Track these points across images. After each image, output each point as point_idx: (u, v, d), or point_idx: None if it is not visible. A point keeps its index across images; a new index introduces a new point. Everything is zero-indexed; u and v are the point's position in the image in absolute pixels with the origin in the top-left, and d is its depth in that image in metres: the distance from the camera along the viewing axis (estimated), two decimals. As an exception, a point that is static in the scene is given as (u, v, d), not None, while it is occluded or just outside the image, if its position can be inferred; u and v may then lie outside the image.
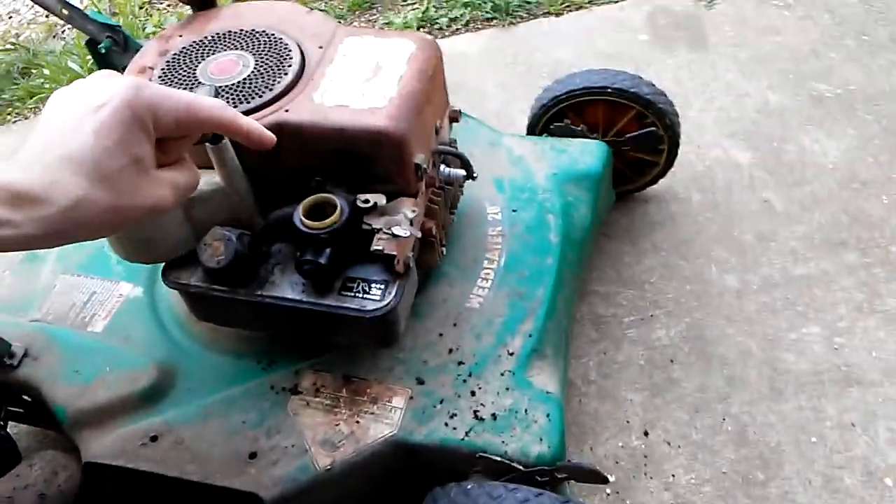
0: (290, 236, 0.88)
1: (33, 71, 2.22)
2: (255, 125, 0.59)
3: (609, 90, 1.31)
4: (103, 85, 0.51)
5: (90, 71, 2.06)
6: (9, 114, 2.11)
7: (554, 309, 1.06)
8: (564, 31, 2.06)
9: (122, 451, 0.94)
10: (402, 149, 0.86)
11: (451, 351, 1.00)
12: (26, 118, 2.08)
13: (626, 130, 1.37)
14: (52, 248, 0.55)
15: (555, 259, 1.11)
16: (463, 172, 1.04)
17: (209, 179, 0.84)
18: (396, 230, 0.87)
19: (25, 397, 1.08)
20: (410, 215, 0.89)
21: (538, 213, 1.17)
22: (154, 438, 0.94)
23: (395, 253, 0.85)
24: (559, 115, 1.38)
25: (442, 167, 1.03)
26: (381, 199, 0.89)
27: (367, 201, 0.88)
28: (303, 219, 0.84)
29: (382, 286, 0.87)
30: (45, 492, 0.94)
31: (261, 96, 0.89)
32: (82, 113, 0.50)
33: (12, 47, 2.31)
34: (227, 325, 1.00)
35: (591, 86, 1.32)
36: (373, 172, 0.89)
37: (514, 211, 1.18)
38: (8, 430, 1.05)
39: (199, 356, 1.05)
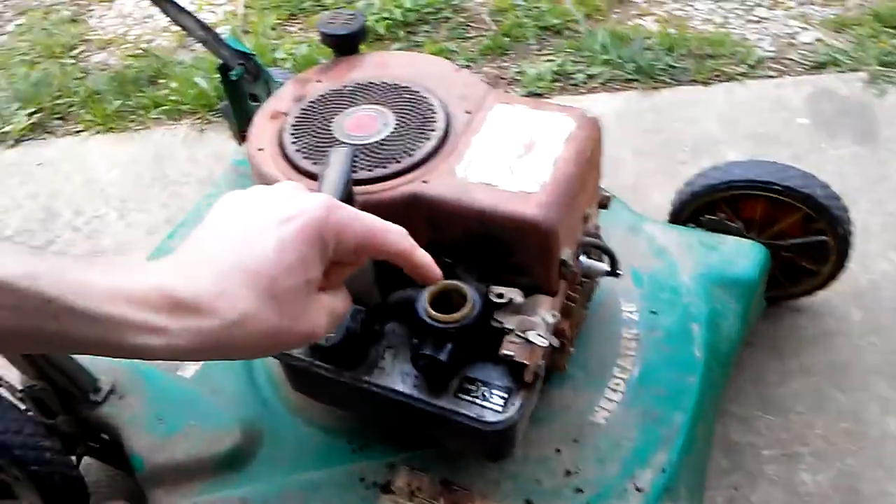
0: (407, 318, 0.79)
1: (160, 80, 2.25)
2: (428, 261, 0.53)
3: (776, 187, 1.15)
4: (294, 198, 0.47)
5: (216, 90, 2.06)
6: (131, 121, 2.13)
7: (693, 440, 0.91)
8: (712, 103, 1.90)
9: (193, 524, 0.86)
10: (549, 242, 0.76)
11: (568, 473, 0.86)
12: (148, 128, 2.11)
13: (789, 233, 1.20)
14: (192, 362, 0.47)
15: (697, 378, 0.96)
16: (605, 267, 0.91)
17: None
18: (532, 336, 0.75)
19: (104, 436, 1.03)
20: (550, 320, 0.77)
21: (681, 320, 1.03)
22: (229, 518, 0.85)
23: (526, 362, 0.74)
24: (711, 205, 1.23)
25: (582, 257, 0.91)
26: (517, 296, 0.78)
27: (501, 296, 0.78)
28: (428, 309, 0.75)
29: (505, 394, 0.76)
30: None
31: (398, 161, 0.81)
32: (266, 223, 0.44)
33: (143, 53, 2.36)
34: (327, 403, 0.91)
35: (755, 179, 1.17)
36: (511, 262, 0.78)
37: (652, 312, 1.04)
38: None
39: (288, 423, 0.97)
